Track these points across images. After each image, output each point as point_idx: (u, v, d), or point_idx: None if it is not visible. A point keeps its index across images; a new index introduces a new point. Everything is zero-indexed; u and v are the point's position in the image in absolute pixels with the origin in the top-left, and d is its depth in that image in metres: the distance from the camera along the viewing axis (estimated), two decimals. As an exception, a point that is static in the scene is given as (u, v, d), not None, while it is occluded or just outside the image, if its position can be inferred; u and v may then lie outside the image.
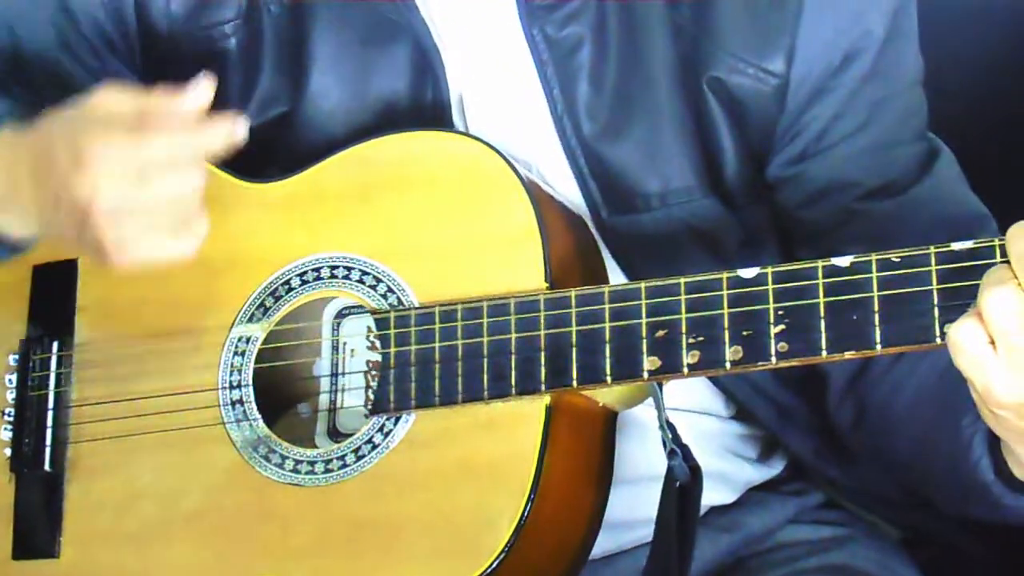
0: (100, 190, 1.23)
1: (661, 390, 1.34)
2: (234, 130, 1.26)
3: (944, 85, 1.54)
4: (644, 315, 1.28)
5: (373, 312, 1.38)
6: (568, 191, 1.46)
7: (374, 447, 1.37)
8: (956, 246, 1.19)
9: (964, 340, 1.12)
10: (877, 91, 1.43)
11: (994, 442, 1.25)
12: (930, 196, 1.43)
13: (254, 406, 1.41)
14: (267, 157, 1.47)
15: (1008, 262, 1.12)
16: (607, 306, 1.30)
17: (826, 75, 1.42)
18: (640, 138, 1.44)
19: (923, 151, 1.45)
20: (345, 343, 1.46)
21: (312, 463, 1.39)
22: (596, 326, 1.30)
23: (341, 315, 1.46)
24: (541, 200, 1.37)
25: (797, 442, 1.52)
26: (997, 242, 1.17)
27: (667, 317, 1.27)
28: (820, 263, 1.22)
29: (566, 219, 1.41)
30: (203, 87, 1.26)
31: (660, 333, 1.28)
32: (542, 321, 1.32)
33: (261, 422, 1.41)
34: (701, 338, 1.26)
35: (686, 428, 1.39)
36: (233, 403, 1.42)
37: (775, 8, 1.41)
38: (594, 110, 1.44)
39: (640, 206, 1.45)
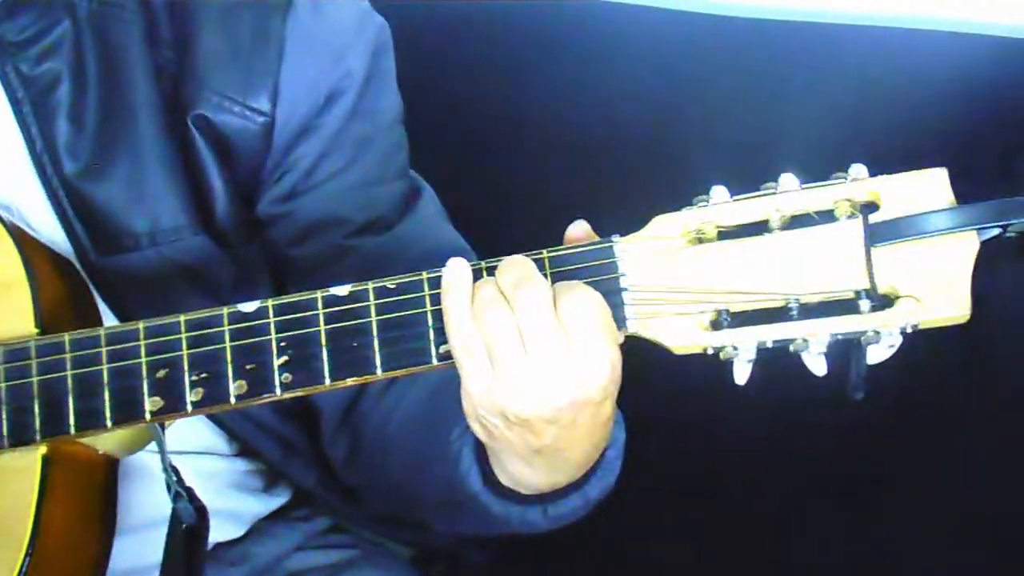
0: None
1: (164, 433, 1.32)
2: None
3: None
4: (144, 355, 1.26)
5: None
6: (53, 234, 1.41)
7: None
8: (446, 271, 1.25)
9: (463, 351, 1.18)
10: (361, 129, 1.47)
11: (482, 453, 1.30)
12: (414, 232, 1.49)
13: None
14: None
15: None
16: (104, 348, 1.26)
17: (311, 114, 1.45)
18: (125, 177, 1.41)
19: (406, 188, 1.51)
20: None
21: None
22: (93, 369, 1.26)
23: None
24: (26, 244, 1.32)
25: (300, 475, 1.53)
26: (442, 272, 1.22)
27: (168, 355, 1.25)
28: (320, 293, 1.25)
29: (53, 263, 1.36)
30: None
31: (161, 373, 1.25)
32: (35, 368, 1.27)
33: None
34: (204, 375, 1.25)
35: (190, 469, 1.38)
36: None
37: (257, 48, 1.43)
38: (75, 149, 1.40)
39: (129, 245, 1.42)
